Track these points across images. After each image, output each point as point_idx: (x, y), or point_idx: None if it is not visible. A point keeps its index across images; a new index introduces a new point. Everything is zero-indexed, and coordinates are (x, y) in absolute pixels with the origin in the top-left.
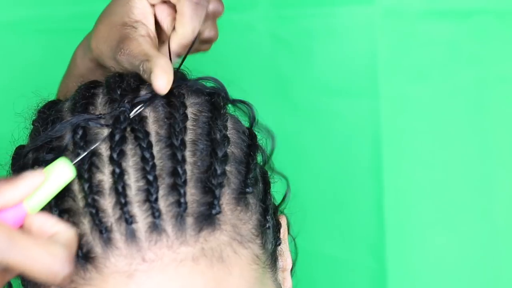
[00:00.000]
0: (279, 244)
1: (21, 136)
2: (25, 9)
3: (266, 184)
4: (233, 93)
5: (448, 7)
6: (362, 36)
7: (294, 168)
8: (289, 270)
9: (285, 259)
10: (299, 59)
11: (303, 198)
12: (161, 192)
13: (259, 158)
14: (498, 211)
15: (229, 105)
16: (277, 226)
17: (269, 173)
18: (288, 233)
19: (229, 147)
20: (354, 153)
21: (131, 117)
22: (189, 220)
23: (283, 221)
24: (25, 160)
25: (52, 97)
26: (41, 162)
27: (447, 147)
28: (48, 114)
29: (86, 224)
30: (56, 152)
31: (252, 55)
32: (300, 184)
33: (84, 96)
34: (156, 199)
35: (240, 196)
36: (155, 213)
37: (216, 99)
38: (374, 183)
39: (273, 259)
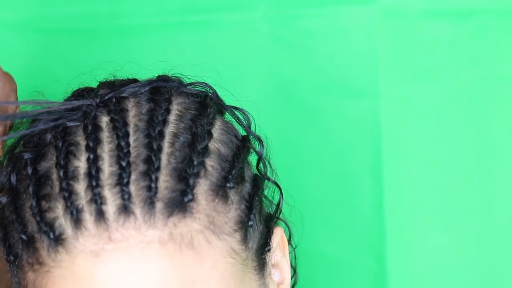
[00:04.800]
0: (269, 250)
1: None
2: (25, 9)
3: (256, 187)
4: (234, 95)
5: (448, 7)
6: (362, 36)
7: (294, 168)
8: (288, 284)
9: (283, 273)
10: (299, 59)
11: (303, 198)
12: (133, 177)
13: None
14: (498, 211)
15: (227, 113)
16: (267, 232)
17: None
18: (289, 243)
19: (215, 143)
20: (354, 153)
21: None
22: (159, 205)
23: (278, 231)
24: (14, 154)
25: (52, 98)
26: (26, 152)
27: (447, 147)
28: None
29: (60, 208)
30: (39, 146)
31: (252, 55)
32: (300, 184)
33: (75, 97)
34: (128, 183)
35: (219, 189)
36: (124, 196)
37: (204, 99)
38: (374, 183)
39: (259, 262)
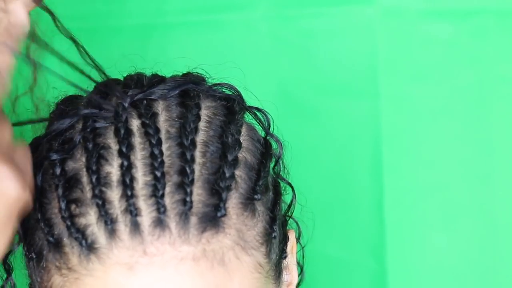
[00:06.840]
0: (285, 257)
1: (18, 134)
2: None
3: (277, 195)
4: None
5: (448, 7)
6: (362, 36)
7: (294, 168)
8: (295, 285)
9: (292, 274)
10: (299, 59)
11: (303, 198)
12: (167, 189)
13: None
14: (498, 211)
15: (246, 113)
16: (284, 239)
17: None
18: (298, 241)
19: (242, 152)
20: (354, 153)
21: (126, 105)
22: (193, 220)
23: (291, 235)
24: (40, 149)
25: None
26: (54, 151)
27: (447, 147)
28: (62, 108)
29: (92, 215)
30: (67, 143)
31: (252, 55)
32: (300, 184)
33: (99, 92)
34: (163, 195)
35: (248, 202)
36: (160, 209)
37: (232, 104)
38: (374, 183)
39: (277, 270)
